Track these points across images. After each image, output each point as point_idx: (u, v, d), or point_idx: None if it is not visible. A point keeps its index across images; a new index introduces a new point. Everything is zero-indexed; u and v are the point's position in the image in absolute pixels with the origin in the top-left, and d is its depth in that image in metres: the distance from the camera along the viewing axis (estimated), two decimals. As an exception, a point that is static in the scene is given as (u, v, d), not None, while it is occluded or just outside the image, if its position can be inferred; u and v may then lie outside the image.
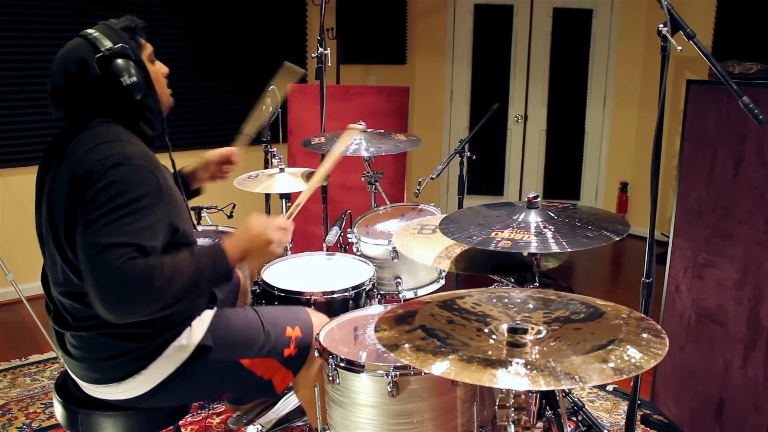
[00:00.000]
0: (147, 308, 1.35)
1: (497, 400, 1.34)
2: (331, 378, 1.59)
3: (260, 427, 2.26)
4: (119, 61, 1.47)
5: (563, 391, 2.19)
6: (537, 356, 1.17)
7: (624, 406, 2.69)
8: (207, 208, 2.79)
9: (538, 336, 1.24)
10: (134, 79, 1.47)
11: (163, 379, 1.56)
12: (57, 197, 1.45)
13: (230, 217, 2.82)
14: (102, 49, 1.47)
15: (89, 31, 1.52)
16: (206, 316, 1.65)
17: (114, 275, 1.30)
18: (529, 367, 1.11)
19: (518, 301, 1.42)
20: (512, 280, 1.96)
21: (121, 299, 1.32)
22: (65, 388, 1.68)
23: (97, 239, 1.32)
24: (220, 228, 2.68)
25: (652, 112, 3.23)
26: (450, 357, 1.16)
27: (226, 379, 1.69)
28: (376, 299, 2.25)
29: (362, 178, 2.67)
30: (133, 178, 1.38)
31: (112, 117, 1.50)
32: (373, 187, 2.69)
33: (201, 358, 1.60)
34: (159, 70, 1.63)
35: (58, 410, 1.65)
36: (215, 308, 1.70)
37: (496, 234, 1.56)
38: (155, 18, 4.15)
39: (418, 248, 1.91)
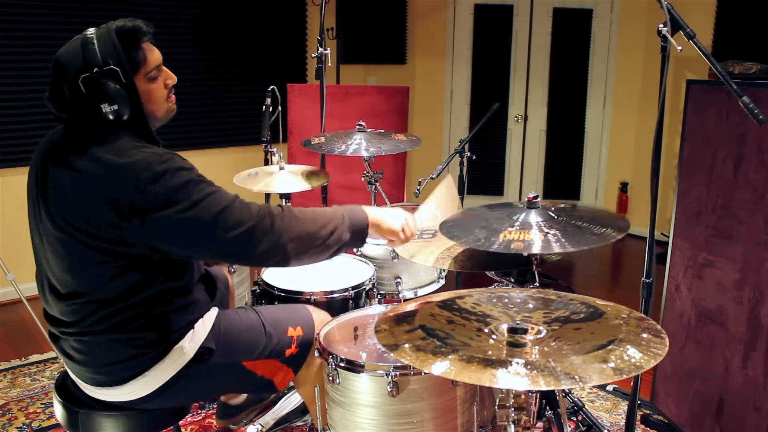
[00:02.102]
0: (288, 234, 1.51)
1: (497, 400, 1.34)
2: (331, 378, 1.59)
3: (260, 427, 2.26)
4: (102, 85, 1.42)
5: (563, 391, 2.18)
6: (537, 356, 1.17)
7: (624, 406, 2.69)
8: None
9: (538, 336, 1.24)
10: (115, 107, 1.43)
11: (166, 381, 1.56)
12: (90, 215, 1.41)
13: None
14: (90, 66, 1.43)
15: (89, 35, 1.46)
16: (209, 318, 1.65)
17: (247, 221, 1.46)
18: (529, 367, 1.11)
19: (518, 301, 1.42)
20: (512, 280, 1.96)
21: (271, 234, 1.48)
22: (65, 388, 1.68)
23: (210, 215, 1.43)
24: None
25: (652, 112, 3.23)
26: (450, 357, 1.16)
27: (228, 380, 1.70)
28: (376, 299, 2.25)
29: (362, 178, 2.67)
30: (177, 167, 1.44)
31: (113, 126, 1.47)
32: (373, 187, 2.68)
33: (203, 361, 1.60)
34: (162, 82, 1.56)
35: (58, 410, 1.65)
36: (218, 309, 1.70)
37: (504, 237, 1.55)
38: (155, 18, 4.14)
39: (420, 254, 1.91)
